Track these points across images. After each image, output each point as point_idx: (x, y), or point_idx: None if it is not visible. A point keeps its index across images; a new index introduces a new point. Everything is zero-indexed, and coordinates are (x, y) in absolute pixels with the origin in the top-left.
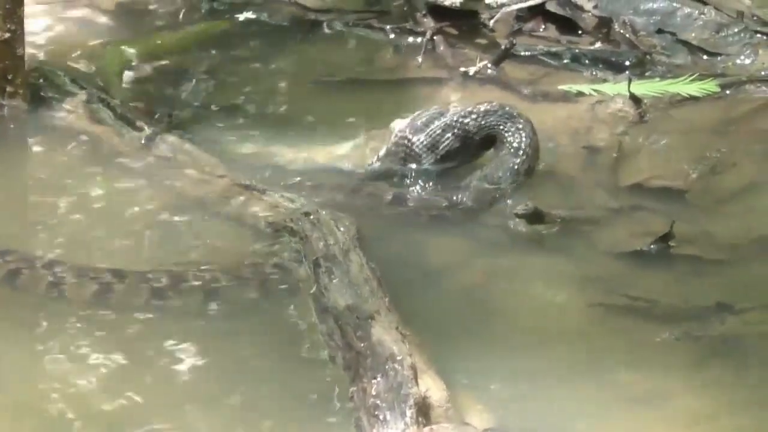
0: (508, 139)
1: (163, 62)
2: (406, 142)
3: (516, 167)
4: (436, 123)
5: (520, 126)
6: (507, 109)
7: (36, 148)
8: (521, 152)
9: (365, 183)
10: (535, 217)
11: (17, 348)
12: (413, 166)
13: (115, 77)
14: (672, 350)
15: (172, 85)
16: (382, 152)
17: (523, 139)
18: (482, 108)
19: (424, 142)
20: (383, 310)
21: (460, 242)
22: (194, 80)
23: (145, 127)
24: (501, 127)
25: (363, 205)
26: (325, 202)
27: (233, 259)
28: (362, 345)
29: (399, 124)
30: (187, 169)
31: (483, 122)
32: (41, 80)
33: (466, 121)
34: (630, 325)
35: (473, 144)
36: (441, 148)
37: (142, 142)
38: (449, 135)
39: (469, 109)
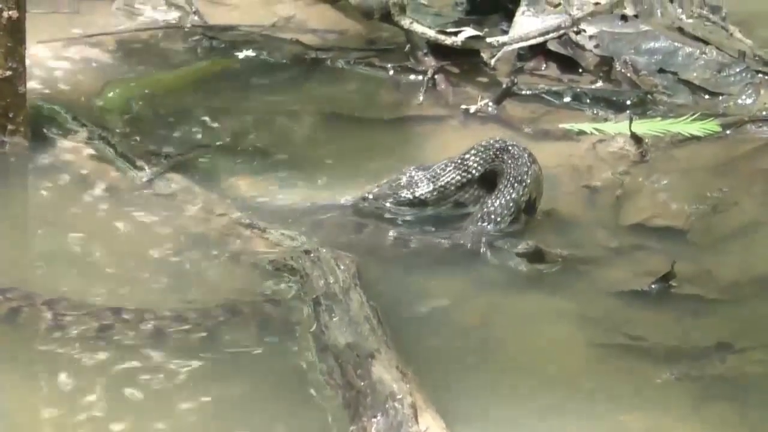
0: (506, 172)
1: (164, 100)
2: (408, 172)
3: (514, 204)
4: (442, 161)
5: (517, 158)
6: (504, 142)
7: (37, 186)
8: (520, 186)
9: (367, 223)
10: (535, 256)
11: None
12: (409, 196)
13: (116, 115)
14: (672, 390)
15: (172, 124)
16: (383, 181)
17: (521, 172)
18: (482, 143)
19: (427, 175)
20: (383, 349)
21: (460, 281)
22: (195, 118)
23: (146, 166)
24: (498, 160)
25: (364, 245)
26: (326, 241)
27: (233, 297)
28: (362, 383)
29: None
30: (187, 207)
31: (484, 156)
32: (42, 118)
33: (467, 156)
34: (630, 365)
35: (473, 180)
36: (441, 178)
37: (144, 180)
38: (450, 167)
39: (473, 145)
